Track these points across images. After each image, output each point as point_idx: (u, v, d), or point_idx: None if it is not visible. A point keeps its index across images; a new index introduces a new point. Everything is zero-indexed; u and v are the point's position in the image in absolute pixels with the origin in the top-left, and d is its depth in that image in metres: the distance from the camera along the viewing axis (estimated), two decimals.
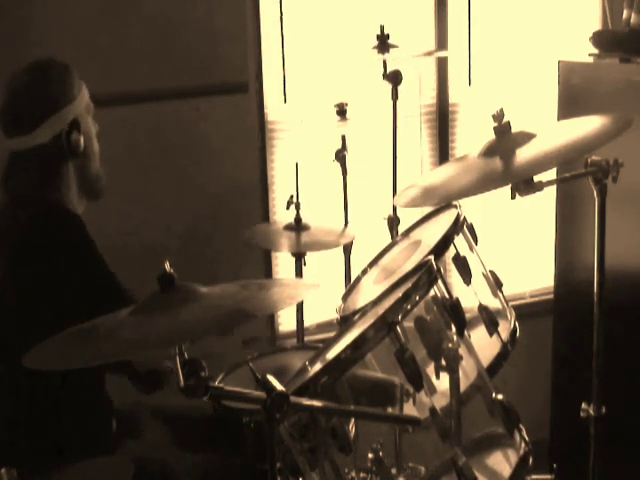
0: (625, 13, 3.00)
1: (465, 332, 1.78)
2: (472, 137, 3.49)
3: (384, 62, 2.78)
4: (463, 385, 1.78)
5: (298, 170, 3.16)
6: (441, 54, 3.31)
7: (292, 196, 2.76)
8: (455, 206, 2.12)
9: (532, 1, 3.54)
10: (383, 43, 2.77)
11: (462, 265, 1.95)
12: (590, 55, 3.06)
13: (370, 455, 1.72)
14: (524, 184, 1.90)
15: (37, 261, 2.06)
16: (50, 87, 2.14)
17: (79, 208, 2.20)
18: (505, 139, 2.00)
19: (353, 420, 1.75)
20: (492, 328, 1.93)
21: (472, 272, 1.96)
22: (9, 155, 2.16)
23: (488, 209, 3.41)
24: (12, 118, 2.15)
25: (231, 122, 3.06)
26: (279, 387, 1.42)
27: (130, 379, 2.21)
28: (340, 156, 2.88)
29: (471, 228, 2.06)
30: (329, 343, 1.93)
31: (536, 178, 1.90)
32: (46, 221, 2.09)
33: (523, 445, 1.80)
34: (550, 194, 3.17)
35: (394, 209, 2.84)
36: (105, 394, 2.22)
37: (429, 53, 3.23)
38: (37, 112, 2.12)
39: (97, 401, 2.19)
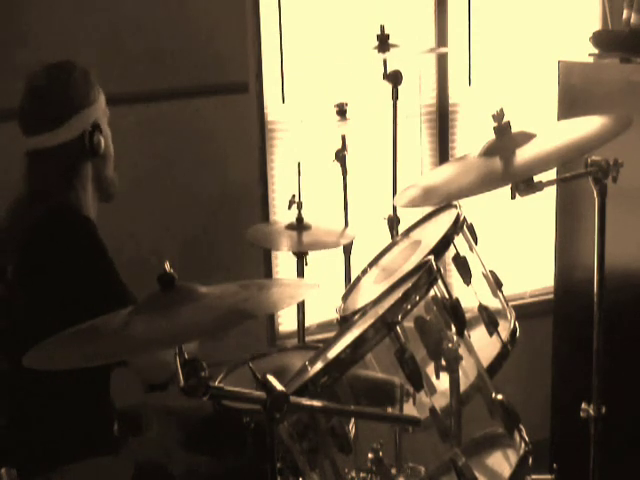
0: (625, 13, 3.01)
1: (465, 332, 1.78)
2: (472, 137, 3.49)
3: (384, 62, 2.78)
4: (463, 385, 1.78)
5: (300, 169, 3.16)
6: (441, 50, 3.30)
7: (294, 195, 2.76)
8: (455, 206, 2.12)
9: (532, 1, 3.54)
10: (383, 43, 2.78)
11: (462, 265, 1.95)
12: (590, 55, 3.06)
13: (370, 455, 1.72)
14: (524, 184, 1.90)
15: (47, 261, 2.06)
16: (73, 88, 2.16)
17: (92, 210, 2.21)
18: (505, 139, 2.00)
19: (353, 420, 1.75)
20: (492, 328, 1.93)
21: (472, 272, 1.96)
22: (26, 154, 2.17)
23: (488, 209, 3.41)
24: (33, 116, 2.16)
25: (231, 122, 3.06)
26: (279, 387, 1.42)
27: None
28: (340, 156, 2.89)
29: (471, 228, 2.06)
30: (329, 343, 1.93)
31: (536, 178, 1.90)
32: (59, 222, 2.10)
33: (523, 445, 1.80)
34: (550, 194, 3.17)
35: (394, 209, 2.84)
36: (107, 394, 2.22)
37: (430, 50, 3.23)
38: (60, 111, 2.14)
39: (99, 401, 2.19)
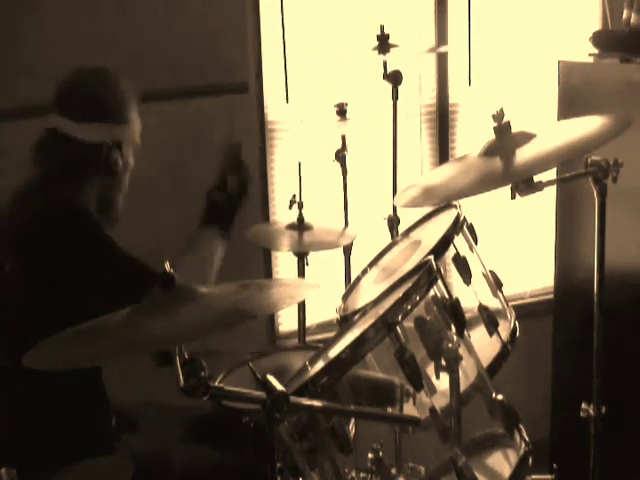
0: (625, 13, 3.00)
1: (465, 332, 1.78)
2: (472, 137, 3.49)
3: (384, 62, 2.78)
4: (463, 385, 1.78)
5: (300, 169, 3.16)
6: (441, 49, 3.30)
7: (294, 195, 2.76)
8: (455, 206, 2.12)
9: (532, 1, 3.54)
10: (383, 43, 2.77)
11: (462, 265, 1.95)
12: (590, 55, 3.06)
13: (370, 455, 1.72)
14: (524, 184, 1.90)
15: (46, 254, 2.06)
16: (114, 96, 2.17)
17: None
18: (505, 139, 2.00)
19: (353, 420, 1.75)
20: (492, 328, 1.93)
21: (472, 272, 1.96)
22: (46, 129, 2.16)
23: (488, 209, 3.41)
24: (68, 98, 2.16)
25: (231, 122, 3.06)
26: (279, 387, 1.42)
27: None
28: (340, 156, 2.88)
29: (471, 228, 2.06)
30: (329, 343, 1.93)
31: (536, 178, 1.90)
32: (56, 215, 2.09)
33: (523, 445, 1.80)
34: (550, 194, 3.18)
35: (394, 209, 2.84)
36: (103, 392, 2.21)
37: (430, 50, 3.24)
38: (91, 109, 2.15)
39: (95, 399, 2.19)
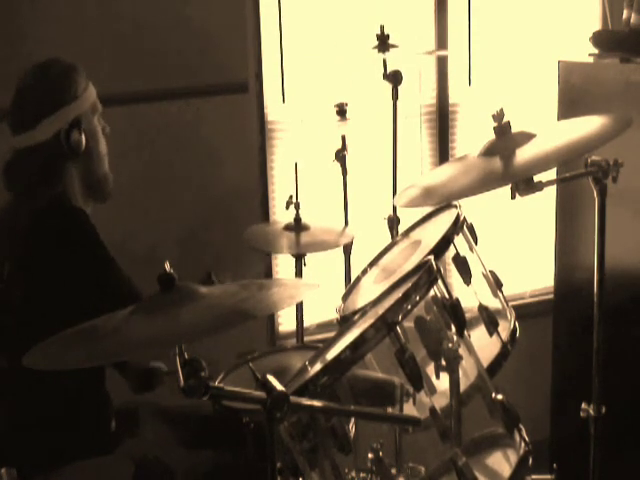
0: (625, 13, 3.00)
1: (465, 332, 1.78)
2: (472, 137, 3.49)
3: (384, 62, 2.78)
4: (463, 385, 1.78)
5: (298, 170, 3.16)
6: (441, 53, 3.31)
7: (291, 196, 2.75)
8: (455, 206, 2.12)
9: (532, 1, 3.54)
10: (383, 43, 2.78)
11: (462, 265, 1.95)
12: (590, 55, 3.06)
13: (370, 455, 1.72)
14: (524, 184, 1.90)
15: (43, 257, 2.06)
16: (50, 86, 2.16)
17: (85, 208, 2.20)
18: (505, 139, 2.00)
19: (353, 420, 1.75)
20: (492, 328, 1.93)
21: (472, 272, 1.96)
22: (13, 152, 2.18)
23: (488, 209, 3.41)
24: (16, 116, 2.18)
25: (231, 122, 3.06)
26: (279, 387, 1.42)
27: (124, 377, 2.23)
28: (340, 156, 2.88)
29: (471, 228, 2.06)
30: (329, 343, 1.93)
31: (536, 178, 1.90)
32: (49, 215, 2.10)
33: (523, 445, 1.80)
34: (550, 194, 3.17)
35: (394, 209, 2.84)
36: (104, 393, 2.22)
37: (429, 52, 3.24)
38: (36, 110, 2.14)
39: (96, 400, 2.19)
